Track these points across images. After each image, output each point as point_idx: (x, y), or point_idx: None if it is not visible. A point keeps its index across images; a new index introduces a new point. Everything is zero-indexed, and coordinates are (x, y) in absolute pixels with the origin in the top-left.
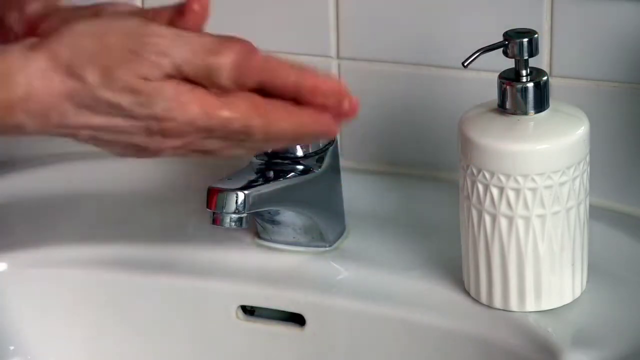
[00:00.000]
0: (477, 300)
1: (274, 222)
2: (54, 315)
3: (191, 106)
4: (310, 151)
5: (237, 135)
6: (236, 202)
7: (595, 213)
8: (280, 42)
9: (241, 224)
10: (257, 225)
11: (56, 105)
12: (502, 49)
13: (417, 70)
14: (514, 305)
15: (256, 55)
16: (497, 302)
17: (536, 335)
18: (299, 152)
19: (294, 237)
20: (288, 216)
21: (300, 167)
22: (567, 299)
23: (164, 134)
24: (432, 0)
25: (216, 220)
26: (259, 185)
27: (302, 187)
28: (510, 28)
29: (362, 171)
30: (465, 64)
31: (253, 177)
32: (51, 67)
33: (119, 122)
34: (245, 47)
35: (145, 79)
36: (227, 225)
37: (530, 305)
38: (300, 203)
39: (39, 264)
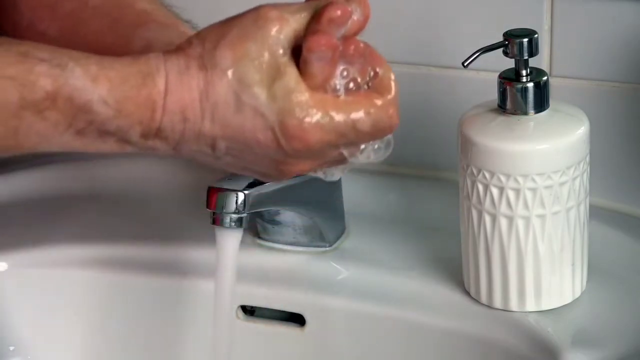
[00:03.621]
0: (477, 300)
1: (274, 222)
2: (53, 315)
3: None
4: None
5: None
6: (236, 202)
7: (595, 213)
8: None
9: (241, 224)
10: (257, 225)
11: (192, 102)
12: (502, 49)
13: (417, 70)
14: (514, 305)
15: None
16: (497, 302)
17: (536, 335)
18: None
19: (294, 237)
20: (288, 216)
21: None
22: (567, 299)
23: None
24: (432, 1)
25: (216, 220)
26: (259, 185)
27: (302, 187)
28: (510, 28)
29: (362, 171)
30: (465, 64)
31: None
32: (184, 64)
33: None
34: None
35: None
36: (227, 225)
37: (530, 305)
38: (300, 203)
39: (39, 264)
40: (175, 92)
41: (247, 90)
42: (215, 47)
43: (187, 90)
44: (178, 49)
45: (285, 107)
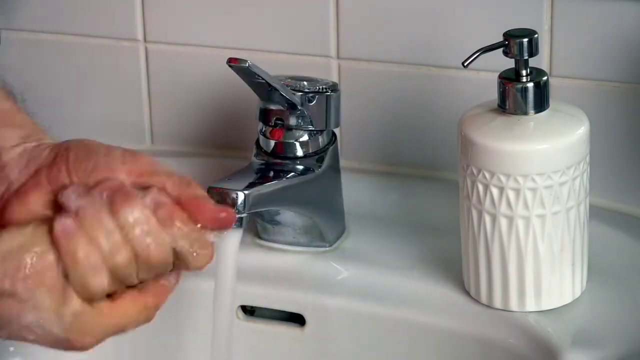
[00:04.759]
0: (477, 300)
1: (274, 222)
2: None
3: None
4: (310, 151)
5: None
6: (236, 202)
7: (595, 213)
8: (280, 42)
9: (241, 224)
10: (257, 225)
11: None
12: (502, 49)
13: (417, 70)
14: (514, 305)
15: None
16: (497, 302)
17: (536, 335)
18: (299, 152)
19: (294, 237)
20: (288, 216)
21: (300, 167)
22: (567, 299)
23: None
24: (432, 1)
25: None
26: (259, 185)
27: (302, 187)
28: (510, 28)
29: (362, 171)
30: (465, 64)
31: (253, 177)
32: None
33: None
34: None
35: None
36: None
37: (530, 305)
38: (300, 203)
39: None
40: None
41: None
42: None
43: None
44: None
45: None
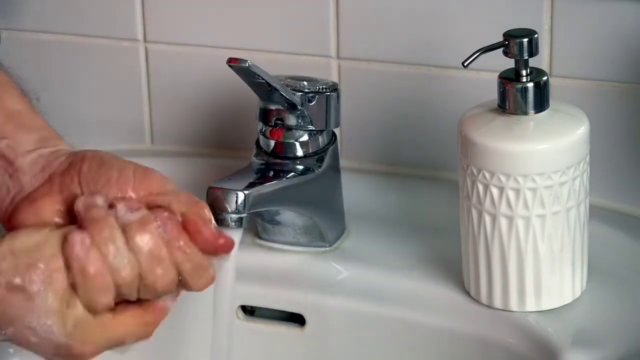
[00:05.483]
0: (477, 300)
1: (274, 222)
2: None
3: None
4: (310, 151)
5: None
6: (236, 202)
7: (595, 213)
8: (280, 42)
9: (241, 224)
10: (257, 225)
11: None
12: (502, 49)
13: (417, 70)
14: (514, 305)
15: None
16: (497, 302)
17: (536, 335)
18: (299, 152)
19: (294, 237)
20: (288, 216)
21: (300, 167)
22: (567, 299)
23: None
24: (432, 1)
25: (216, 220)
26: (259, 185)
27: (302, 187)
28: (510, 28)
29: (362, 171)
30: (465, 64)
31: (253, 177)
32: None
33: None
34: None
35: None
36: (227, 225)
37: (530, 305)
38: (300, 203)
39: None
40: None
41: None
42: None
43: None
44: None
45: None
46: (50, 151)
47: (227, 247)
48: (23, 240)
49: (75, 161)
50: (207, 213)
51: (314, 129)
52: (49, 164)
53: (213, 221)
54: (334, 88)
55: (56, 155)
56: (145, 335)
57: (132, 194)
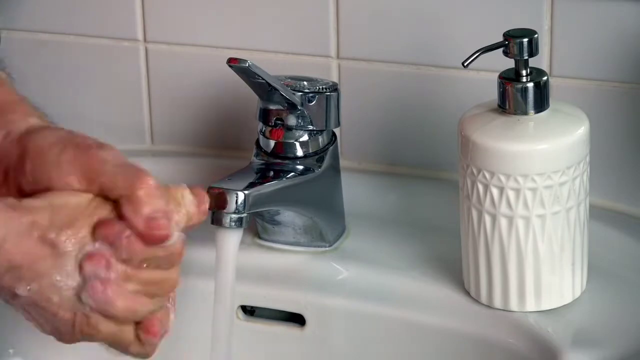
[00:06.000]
0: (477, 300)
1: (274, 222)
2: None
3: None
4: (310, 151)
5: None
6: (236, 202)
7: (595, 213)
8: (280, 42)
9: (241, 224)
10: (257, 225)
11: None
12: (502, 49)
13: (417, 70)
14: (514, 305)
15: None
16: (497, 302)
17: (536, 335)
18: (299, 152)
19: (294, 237)
20: (288, 216)
21: (300, 167)
22: (567, 299)
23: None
24: (432, 0)
25: (216, 220)
26: (259, 185)
27: (302, 187)
28: (510, 28)
29: (362, 171)
30: (465, 64)
31: (253, 177)
32: (26, 232)
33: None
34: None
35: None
36: (227, 225)
37: (530, 305)
38: (300, 203)
39: None
40: (7, 253)
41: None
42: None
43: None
44: (23, 207)
45: None
46: (3, 134)
47: (161, 238)
48: (63, 197)
49: (22, 155)
50: (153, 180)
51: (314, 129)
52: (5, 155)
53: (151, 191)
54: (334, 88)
55: (7, 141)
56: (145, 355)
57: (77, 185)
